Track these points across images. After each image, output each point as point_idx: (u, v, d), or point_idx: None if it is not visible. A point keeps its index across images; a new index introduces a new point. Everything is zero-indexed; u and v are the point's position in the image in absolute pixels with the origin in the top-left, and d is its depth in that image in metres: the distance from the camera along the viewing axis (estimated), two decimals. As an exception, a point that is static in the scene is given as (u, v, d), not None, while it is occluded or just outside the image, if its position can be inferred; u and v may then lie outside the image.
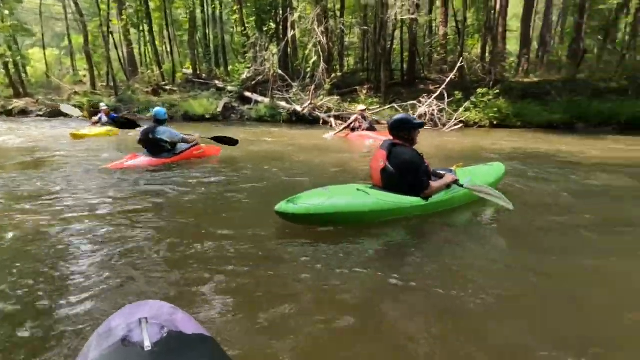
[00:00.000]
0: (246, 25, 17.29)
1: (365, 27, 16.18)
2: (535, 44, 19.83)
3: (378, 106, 13.99)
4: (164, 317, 0.85)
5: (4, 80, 19.34)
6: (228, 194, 3.78)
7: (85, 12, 19.51)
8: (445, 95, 12.76)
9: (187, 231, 2.70)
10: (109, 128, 8.78)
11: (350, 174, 4.92)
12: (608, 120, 11.69)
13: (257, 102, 14.84)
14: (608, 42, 15.99)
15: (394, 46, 18.92)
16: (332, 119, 12.87)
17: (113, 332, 0.79)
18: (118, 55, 20.91)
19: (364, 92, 14.92)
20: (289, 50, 17.75)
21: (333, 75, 14.62)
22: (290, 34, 15.56)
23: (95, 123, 9.27)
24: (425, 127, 12.67)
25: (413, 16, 13.21)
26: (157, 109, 5.32)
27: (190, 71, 19.73)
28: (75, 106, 13.65)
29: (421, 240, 2.79)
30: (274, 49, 14.90)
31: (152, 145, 5.04)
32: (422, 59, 18.45)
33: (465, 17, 16.49)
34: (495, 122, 12.63)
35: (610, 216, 3.24)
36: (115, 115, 9.85)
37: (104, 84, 19.69)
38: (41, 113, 16.25)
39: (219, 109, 14.38)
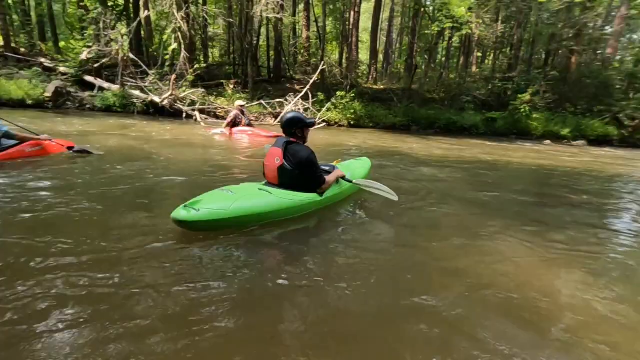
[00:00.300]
0: (84, -4, 14.45)
1: (230, 20, 15.68)
2: (381, 57, 23.03)
3: (246, 102, 13.82)
4: None
5: None
6: (86, 203, 3.06)
7: None
8: (310, 95, 13.55)
9: (20, 253, 2.08)
10: None
11: (238, 172, 4.72)
12: (432, 124, 14.62)
13: (102, 88, 12.64)
14: (431, 61, 19.87)
15: (261, 42, 19.00)
16: (196, 113, 12.07)
17: None
18: None
19: (231, 86, 14.50)
20: (142, 32, 15.73)
21: (196, 66, 13.68)
22: (143, 14, 13.79)
23: None
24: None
25: (278, 15, 13.49)
26: None
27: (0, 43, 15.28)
28: None
29: (313, 236, 2.83)
30: (122, 28, 12.89)
31: None
32: (287, 58, 19.09)
33: (325, 24, 17.83)
34: (352, 122, 14.13)
35: (464, 199, 4.11)
36: None
37: None
38: None
39: (48, 94, 11.64)
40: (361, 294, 1.94)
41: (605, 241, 3.16)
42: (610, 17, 18.44)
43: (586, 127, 14.90)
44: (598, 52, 19.55)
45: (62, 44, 16.15)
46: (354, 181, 3.38)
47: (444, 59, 20.21)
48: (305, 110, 13.41)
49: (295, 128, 2.96)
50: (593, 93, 16.37)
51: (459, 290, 2.05)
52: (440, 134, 13.76)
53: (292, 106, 13.25)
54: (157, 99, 12.06)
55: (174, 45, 12.88)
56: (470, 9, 13.11)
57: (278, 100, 13.69)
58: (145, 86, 12.50)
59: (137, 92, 12.36)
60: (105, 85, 12.76)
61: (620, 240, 3.19)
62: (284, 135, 3.04)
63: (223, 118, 12.82)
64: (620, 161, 9.61)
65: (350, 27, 16.98)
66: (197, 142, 7.43)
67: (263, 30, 18.79)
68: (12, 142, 4.34)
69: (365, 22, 22.89)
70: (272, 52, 18.25)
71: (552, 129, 14.67)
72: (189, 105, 12.40)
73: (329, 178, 3.16)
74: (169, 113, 12.11)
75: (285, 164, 2.85)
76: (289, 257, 2.43)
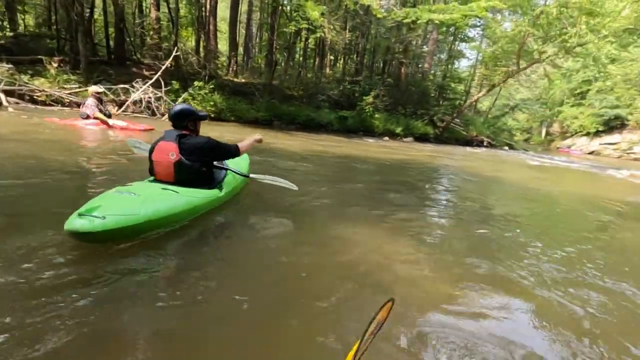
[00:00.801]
0: None
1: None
2: (241, 49, 22.61)
3: (78, 85, 11.45)
4: None
5: None
6: None
7: None
8: (162, 83, 12.23)
9: None
10: None
11: (99, 170, 4.02)
12: (293, 120, 15.26)
13: None
14: (290, 59, 20.68)
15: (96, 16, 15.98)
16: (1, 95, 9.29)
17: None
18: None
19: (55, 65, 11.76)
20: None
21: (-2, 33, 10.51)
22: None
23: None
24: (141, 115, 11.71)
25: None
26: None
27: None
28: None
29: (213, 236, 2.68)
30: None
31: None
32: (132, 39, 16.67)
33: (177, 6, 16.29)
34: (212, 115, 13.43)
35: (353, 188, 4.36)
36: None
37: None
38: None
39: None
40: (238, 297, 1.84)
41: (427, 213, 3.94)
42: (427, 39, 22.99)
43: (413, 127, 18.26)
44: (419, 65, 24.13)
45: None
46: (251, 175, 3.51)
47: (301, 58, 21.30)
48: (158, 99, 12.04)
49: (187, 121, 2.77)
50: (417, 99, 20.16)
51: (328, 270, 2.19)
52: (300, 129, 14.52)
53: (141, 93, 11.70)
54: None
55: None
56: (322, 14, 14.17)
57: (122, 86, 11.83)
58: None
59: None
60: None
61: (440, 211, 4.05)
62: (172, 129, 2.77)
63: (45, 103, 10.32)
64: (435, 153, 12.18)
65: (207, 13, 16.01)
66: (42, 137, 5.78)
67: (98, 1, 15.82)
68: None
69: (224, 11, 22.01)
70: (111, 29, 15.56)
71: (390, 127, 17.39)
72: None
73: (243, 144, 3.16)
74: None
75: (183, 158, 2.63)
76: (187, 264, 2.17)
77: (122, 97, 11.64)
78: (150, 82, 12.08)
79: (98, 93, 7.59)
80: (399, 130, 17.48)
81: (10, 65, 10.32)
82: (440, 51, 26.40)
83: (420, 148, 13.90)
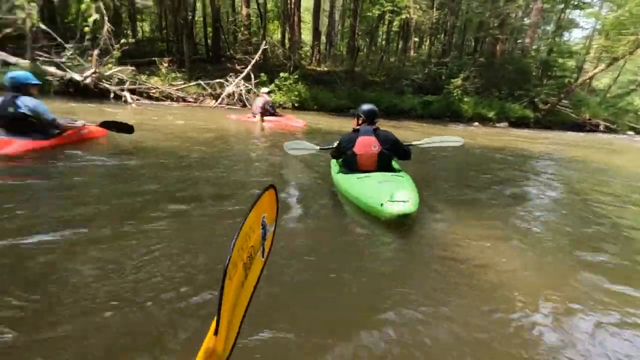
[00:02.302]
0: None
1: (161, -9, 14.38)
2: (323, 38, 22.89)
3: (182, 82, 12.96)
4: None
5: None
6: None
7: None
8: (252, 76, 13.10)
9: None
10: None
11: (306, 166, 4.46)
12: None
13: (7, 63, 10.93)
14: (372, 44, 20.26)
15: (197, 18, 17.77)
16: (126, 93, 11.03)
17: None
18: None
19: (165, 64, 13.46)
20: (54, 1, 13.80)
21: (124, 40, 12.40)
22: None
23: None
24: (234, 107, 12.68)
25: (214, -11, 12.67)
26: (15, 72, 3.79)
27: None
28: None
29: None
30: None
31: (13, 122, 3.67)
32: (226, 36, 18.13)
33: (265, 1, 17.16)
34: (296, 105, 13.99)
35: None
36: None
37: None
38: None
39: None
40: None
41: (532, 210, 3.55)
42: (529, 9, 20.26)
43: (508, 110, 16.45)
44: (518, 41, 21.48)
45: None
46: (414, 144, 3.92)
47: (384, 42, 20.69)
48: (248, 91, 12.97)
49: (376, 117, 3.29)
50: (514, 79, 18.05)
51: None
52: (382, 116, 14.21)
53: (234, 87, 12.73)
54: (78, 77, 10.76)
55: (95, 17, 11.48)
56: (408, -6, 13.51)
57: (218, 80, 13.02)
58: (63, 62, 11.06)
59: (52, 69, 10.89)
60: (12, 59, 11.04)
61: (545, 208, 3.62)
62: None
63: (157, 99, 11.92)
64: (539, 140, 10.81)
65: (292, 5, 16.55)
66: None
67: (199, 5, 17.56)
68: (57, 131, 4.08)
69: (307, 1, 22.47)
70: (209, 29, 17.16)
71: (480, 112, 15.96)
72: (117, 85, 11.27)
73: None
74: (94, 93, 10.90)
75: (383, 149, 3.12)
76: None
77: (218, 91, 12.83)
78: (242, 75, 13.06)
79: (266, 93, 8.87)
80: (491, 114, 15.95)
81: (132, 68, 12.17)
82: (545, 22, 23.11)
83: (518, 134, 12.49)
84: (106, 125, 4.57)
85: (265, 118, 8.31)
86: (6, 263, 1.72)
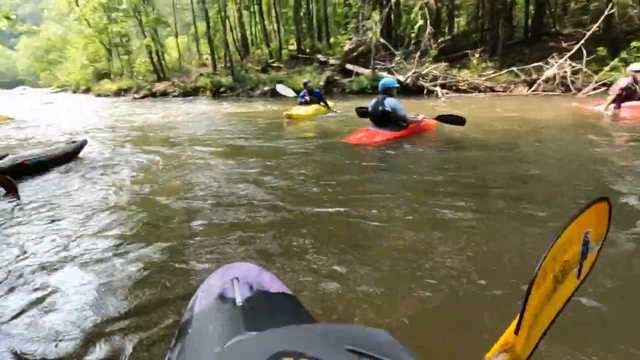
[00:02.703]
0: (349, -5, 16.97)
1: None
2: None
3: (492, 71, 12.47)
4: (252, 277, 0.95)
5: (149, 67, 23.31)
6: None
7: (206, 0, 21.69)
8: (584, 52, 10.61)
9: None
10: (316, 106, 7.85)
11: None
12: None
13: (358, 74, 14.72)
14: None
15: (517, -1, 16.28)
16: (438, 89, 12.02)
17: (211, 290, 0.93)
18: (233, 37, 22.93)
19: (476, 55, 13.41)
20: (392, 16, 16.90)
21: (440, 39, 13.44)
22: (394, -2, 14.72)
23: (302, 103, 7.97)
24: (553, 93, 10.90)
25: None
26: (385, 79, 5.12)
27: (294, 47, 20.52)
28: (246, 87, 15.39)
29: None
30: (376, 16, 14.33)
31: (379, 117, 4.81)
32: (553, 10, 15.48)
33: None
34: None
35: None
36: (318, 91, 8.46)
37: (222, 65, 21.96)
38: (176, 93, 19.20)
39: (321, 83, 14.74)
40: None
41: None
42: None
43: None
44: None
45: (332, 40, 19.81)
46: None
47: None
48: (575, 72, 10.64)
49: None
50: None
51: None
52: None
53: (556, 69, 10.83)
54: (401, 78, 12.85)
55: (420, 22, 13.12)
56: None
57: (535, 64, 11.51)
58: (392, 67, 13.54)
59: (384, 74, 13.59)
60: (360, 70, 14.74)
61: None
62: None
63: (465, 91, 12.17)
64: None
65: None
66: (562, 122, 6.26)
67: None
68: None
69: None
70: (531, 6, 15.28)
71: None
72: (430, 81, 12.50)
73: None
74: (412, 91, 12.67)
75: None
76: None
77: (534, 76, 11.36)
78: (570, 53, 10.86)
79: (636, 71, 6.12)
80: None
81: (446, 63, 13.02)
82: None
83: None
84: (442, 118, 5.09)
85: (623, 104, 6.12)
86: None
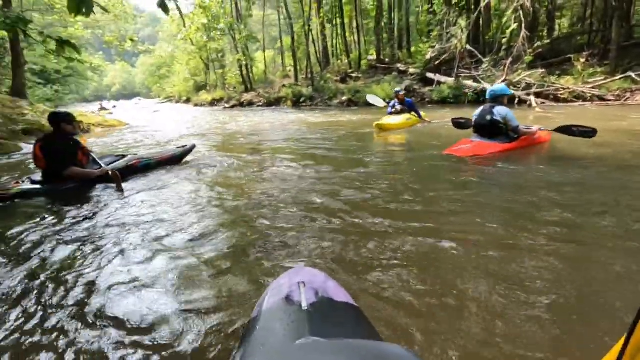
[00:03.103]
0: (433, 2, 16.48)
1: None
2: None
3: (602, 77, 10.89)
4: (318, 283, 0.97)
5: (239, 79, 25.50)
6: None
7: (292, 16, 23.04)
8: None
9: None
10: (407, 116, 7.34)
11: None
12: None
13: (439, 82, 14.13)
14: None
15: (638, -7, 14.04)
16: (532, 97, 10.91)
17: (280, 290, 0.97)
18: (315, 49, 23.90)
19: (582, 60, 11.86)
20: (480, 22, 15.91)
21: (537, 44, 12.21)
22: (484, 2, 13.86)
23: (392, 113, 7.49)
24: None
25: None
26: (495, 85, 4.56)
27: (374, 57, 20.56)
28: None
29: None
30: (463, 22, 13.64)
31: (487, 128, 4.31)
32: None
33: None
34: None
35: None
36: (411, 100, 7.91)
37: (304, 76, 23.00)
38: (260, 103, 20.64)
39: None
40: None
41: None
42: None
43: None
44: None
45: (413, 49, 19.40)
46: None
47: None
48: None
49: None
50: None
51: None
52: None
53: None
54: (488, 87, 11.97)
55: (513, 26, 12.11)
56: None
57: (661, 68, 9.74)
58: (479, 75, 12.70)
59: (469, 82, 12.81)
60: (442, 79, 14.13)
61: None
62: None
63: (565, 100, 10.83)
64: None
65: None
66: None
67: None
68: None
69: None
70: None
71: None
72: (523, 90, 11.41)
73: None
74: (500, 100, 11.71)
75: None
76: None
77: (659, 83, 9.61)
78: None
79: None
80: None
81: (542, 70, 11.77)
82: None
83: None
84: (563, 130, 4.30)
85: None
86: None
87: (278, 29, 28.44)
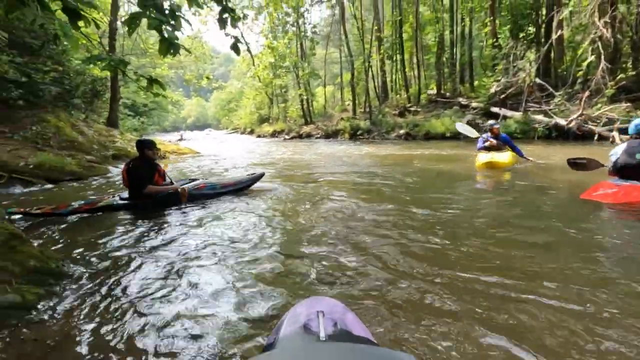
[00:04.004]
0: (498, 36, 16.09)
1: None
2: None
3: None
4: (337, 314, 0.94)
5: (300, 112, 26.79)
6: None
7: (353, 53, 23.97)
8: None
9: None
10: (511, 153, 6.41)
11: None
12: None
13: (505, 117, 13.44)
14: None
15: None
16: (614, 133, 9.86)
17: (298, 318, 0.94)
18: (374, 84, 24.41)
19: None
20: (552, 54, 15.08)
21: (620, 76, 11.15)
22: (555, 34, 13.19)
23: (489, 148, 6.55)
24: None
25: None
26: None
27: (434, 91, 20.36)
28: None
29: None
30: (531, 56, 13.04)
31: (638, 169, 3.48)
32: None
33: None
34: None
35: None
36: (507, 135, 6.98)
37: (362, 110, 23.45)
38: (319, 135, 21.33)
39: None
40: None
41: None
42: None
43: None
44: None
45: (476, 83, 18.89)
46: None
47: None
48: None
49: None
50: None
51: None
52: None
53: None
54: (562, 122, 11.09)
55: (591, 59, 11.26)
56: None
57: None
58: (550, 109, 11.87)
59: (539, 117, 12.01)
60: (509, 113, 13.44)
61: None
62: None
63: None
64: None
65: None
66: None
67: None
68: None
69: None
70: None
71: None
72: (604, 125, 10.37)
73: None
74: (576, 136, 10.75)
75: None
76: None
77: None
78: None
79: None
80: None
81: (627, 104, 10.65)
82: None
83: None
84: None
85: None
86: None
87: (339, 66, 29.70)
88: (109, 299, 1.84)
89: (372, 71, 23.47)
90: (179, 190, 4.05)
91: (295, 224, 3.24)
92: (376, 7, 21.99)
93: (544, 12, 15.15)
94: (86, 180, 6.38)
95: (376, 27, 21.93)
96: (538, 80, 12.47)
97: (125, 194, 4.01)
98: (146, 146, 3.94)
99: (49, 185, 5.79)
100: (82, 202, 3.81)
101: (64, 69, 9.72)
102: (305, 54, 26.42)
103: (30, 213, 3.50)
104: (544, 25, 15.17)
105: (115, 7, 12.51)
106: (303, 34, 25.47)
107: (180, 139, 24.49)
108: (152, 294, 1.91)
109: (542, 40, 14.83)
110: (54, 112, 8.60)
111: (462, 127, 8.21)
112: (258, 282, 2.03)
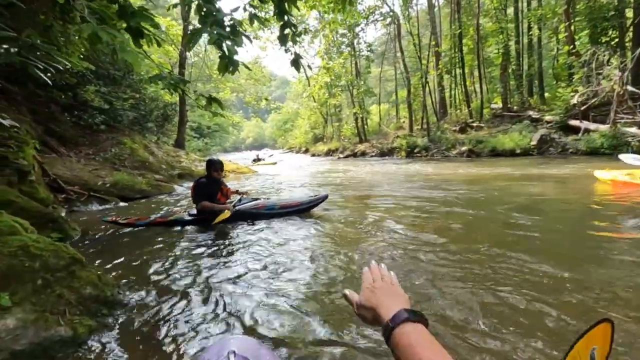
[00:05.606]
0: (575, 43, 14.59)
1: None
2: None
3: None
4: (249, 351, 0.88)
5: (354, 130, 26.67)
6: None
7: (409, 69, 23.44)
8: None
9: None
10: None
11: None
12: None
13: (588, 130, 11.94)
14: None
15: None
16: None
17: None
18: (431, 100, 23.51)
19: None
20: None
21: None
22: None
23: None
24: None
25: None
26: None
27: (498, 105, 18.98)
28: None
29: None
30: (615, 61, 11.51)
31: None
32: None
33: None
34: None
35: None
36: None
37: (419, 127, 22.61)
38: (373, 153, 20.91)
39: (534, 142, 12.71)
40: None
41: None
42: None
43: None
44: None
45: (547, 95, 17.25)
46: None
47: None
48: None
49: None
50: None
51: None
52: None
53: None
54: (663, 134, 9.50)
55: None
56: None
57: None
58: (646, 121, 10.28)
59: (633, 130, 10.43)
60: (592, 126, 11.92)
61: None
62: None
63: None
64: None
65: None
66: None
67: None
68: None
69: None
70: None
71: None
72: None
73: None
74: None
75: None
76: None
77: None
78: None
79: None
80: None
81: None
82: None
83: None
84: None
85: None
86: None
87: (393, 83, 29.26)
88: (160, 336, 1.68)
89: (429, 87, 22.68)
90: (225, 210, 4.01)
91: (357, 254, 2.93)
92: (433, 22, 21.40)
93: (633, 13, 13.44)
94: (154, 198, 6.73)
95: (434, 42, 21.28)
96: (630, 88, 10.90)
97: (194, 211, 4.17)
98: (213, 167, 4.10)
99: (122, 204, 6.17)
100: (157, 215, 4.29)
101: (140, 96, 10.67)
102: (360, 73, 26.46)
103: (119, 222, 4.04)
104: (631, 28, 13.44)
105: (185, 38, 13.63)
106: (358, 53, 25.62)
107: (257, 160, 21.00)
108: (204, 329, 1.72)
109: (630, 44, 13.12)
110: (130, 135, 9.38)
111: (628, 158, 5.89)
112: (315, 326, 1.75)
